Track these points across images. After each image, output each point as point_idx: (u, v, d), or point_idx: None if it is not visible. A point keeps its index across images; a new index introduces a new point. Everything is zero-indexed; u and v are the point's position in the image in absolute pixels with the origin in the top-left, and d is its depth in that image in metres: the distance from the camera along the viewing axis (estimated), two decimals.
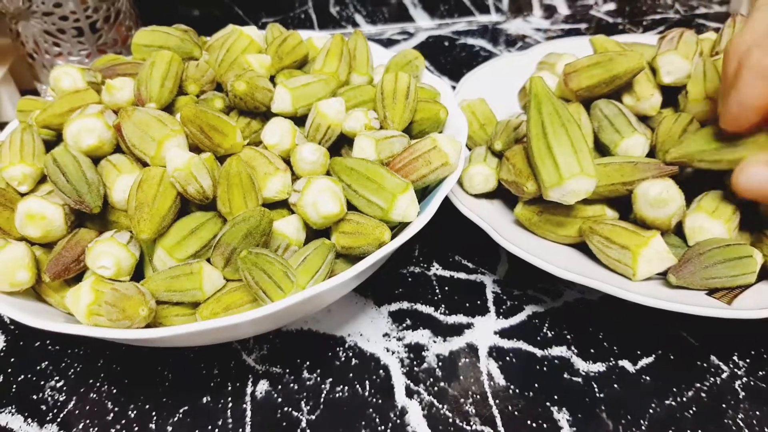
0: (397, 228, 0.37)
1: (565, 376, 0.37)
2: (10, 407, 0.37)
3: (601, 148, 0.42)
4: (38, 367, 0.39)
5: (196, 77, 0.41)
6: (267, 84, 0.39)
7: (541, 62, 0.53)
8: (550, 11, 0.85)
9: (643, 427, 0.35)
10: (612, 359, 0.38)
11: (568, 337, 0.40)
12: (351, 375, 0.38)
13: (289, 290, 0.32)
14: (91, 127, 0.36)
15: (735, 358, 0.38)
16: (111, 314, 0.30)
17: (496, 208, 0.44)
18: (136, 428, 0.36)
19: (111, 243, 0.33)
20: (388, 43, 0.79)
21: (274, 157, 0.37)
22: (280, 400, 0.37)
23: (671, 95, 0.45)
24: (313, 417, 0.36)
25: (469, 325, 0.41)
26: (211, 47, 0.46)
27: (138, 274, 0.35)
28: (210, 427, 0.35)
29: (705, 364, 0.38)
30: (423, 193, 0.40)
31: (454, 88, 0.68)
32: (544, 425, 0.35)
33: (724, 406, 0.36)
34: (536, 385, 0.37)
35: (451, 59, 0.75)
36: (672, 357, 0.38)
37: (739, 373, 0.37)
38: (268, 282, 0.31)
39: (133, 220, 0.33)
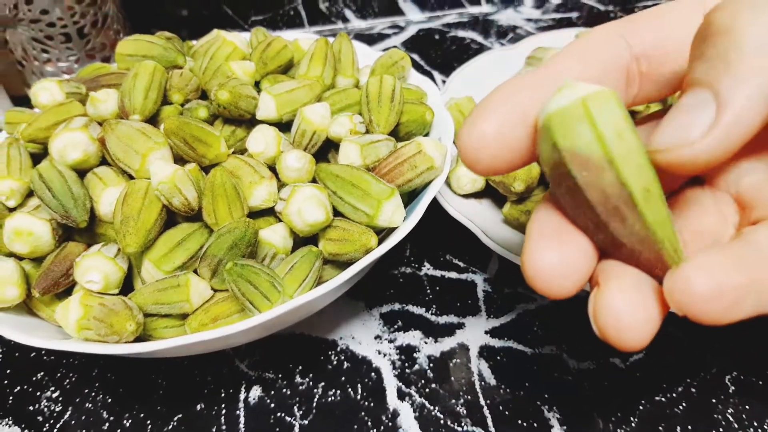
0: (384, 233, 0.37)
1: (556, 374, 0.38)
2: (7, 419, 0.37)
3: None
4: (34, 378, 0.40)
5: (180, 86, 0.41)
6: (251, 91, 0.39)
7: (529, 57, 0.53)
8: (541, 0, 0.84)
9: (633, 425, 0.35)
10: (602, 356, 0.39)
11: (558, 334, 0.40)
12: (343, 378, 0.38)
13: (276, 300, 0.32)
14: (76, 141, 0.36)
15: (724, 352, 0.38)
16: (99, 329, 0.31)
17: (484, 207, 0.44)
18: None
19: (98, 257, 0.33)
20: (378, 38, 0.78)
21: (260, 166, 0.37)
22: (273, 405, 0.37)
23: None
24: (306, 422, 0.36)
25: (460, 325, 0.41)
26: (196, 53, 0.46)
27: (127, 285, 0.35)
28: None
29: (694, 360, 0.38)
30: (411, 196, 0.40)
31: (444, 83, 0.68)
32: (535, 425, 0.35)
33: (714, 401, 0.36)
34: (527, 384, 0.37)
35: (442, 53, 0.74)
36: (662, 353, 0.39)
37: (729, 367, 0.38)
38: (255, 293, 0.31)
39: (119, 234, 0.33)
